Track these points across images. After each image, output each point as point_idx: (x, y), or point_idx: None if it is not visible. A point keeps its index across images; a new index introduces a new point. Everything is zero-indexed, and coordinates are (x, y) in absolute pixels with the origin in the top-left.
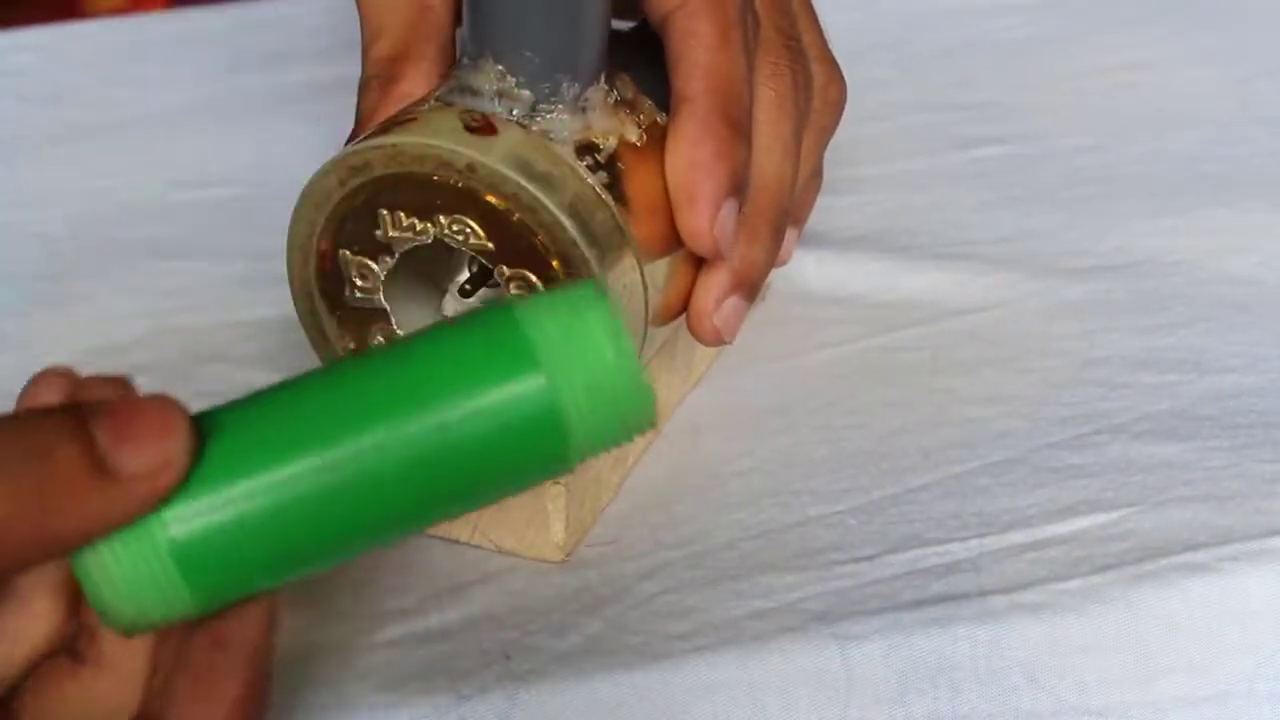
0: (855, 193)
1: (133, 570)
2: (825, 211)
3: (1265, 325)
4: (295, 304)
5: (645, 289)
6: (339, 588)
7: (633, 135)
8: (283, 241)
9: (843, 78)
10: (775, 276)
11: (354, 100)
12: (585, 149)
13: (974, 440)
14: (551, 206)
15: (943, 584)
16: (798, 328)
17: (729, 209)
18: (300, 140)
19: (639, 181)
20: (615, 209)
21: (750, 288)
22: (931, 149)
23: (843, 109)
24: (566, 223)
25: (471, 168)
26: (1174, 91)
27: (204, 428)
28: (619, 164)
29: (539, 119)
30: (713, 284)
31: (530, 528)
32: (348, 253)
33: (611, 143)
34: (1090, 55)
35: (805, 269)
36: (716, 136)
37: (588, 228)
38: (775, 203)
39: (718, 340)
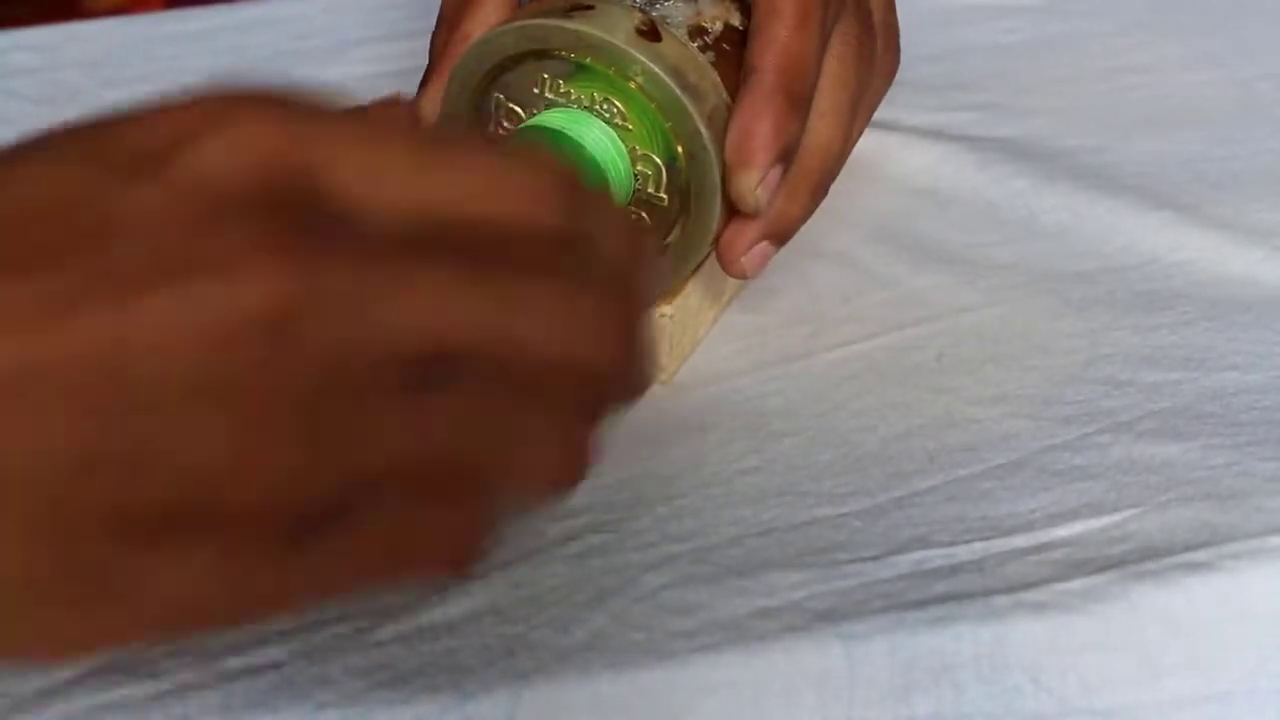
0: (859, 194)
1: None
2: (830, 213)
3: (1267, 324)
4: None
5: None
6: None
7: (736, 20)
8: None
9: (898, 48)
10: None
11: (354, 100)
12: (696, 32)
13: (978, 443)
14: (696, 117)
15: (946, 584)
16: (805, 329)
17: (774, 175)
18: None
19: (740, 66)
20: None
21: (780, 237)
22: (935, 151)
23: (893, 80)
24: (704, 132)
25: (640, 72)
26: (1175, 93)
27: None
28: (725, 46)
29: (658, 6)
30: (747, 230)
31: None
32: (501, 96)
33: (718, 26)
34: (1092, 58)
35: (812, 270)
36: (776, 111)
37: (716, 129)
38: (821, 168)
39: (742, 276)
